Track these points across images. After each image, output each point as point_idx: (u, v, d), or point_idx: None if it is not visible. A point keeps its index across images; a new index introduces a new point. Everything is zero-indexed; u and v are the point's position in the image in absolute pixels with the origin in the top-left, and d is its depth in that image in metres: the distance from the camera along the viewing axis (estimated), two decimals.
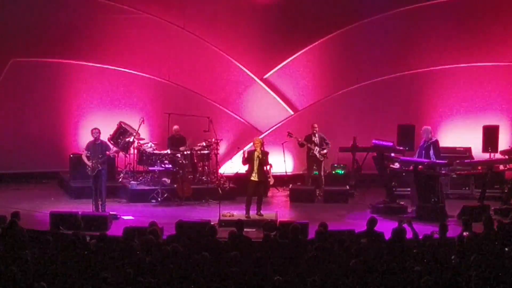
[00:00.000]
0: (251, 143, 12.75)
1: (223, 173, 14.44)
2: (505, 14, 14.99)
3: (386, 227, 9.99)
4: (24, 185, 14.36)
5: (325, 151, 13.85)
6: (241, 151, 13.90)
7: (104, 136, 12.74)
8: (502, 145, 14.06)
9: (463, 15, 15.06)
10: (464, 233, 9.35)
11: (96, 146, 12.08)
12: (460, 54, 15.14)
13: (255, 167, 11.86)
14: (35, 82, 14.66)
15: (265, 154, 11.99)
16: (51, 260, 8.04)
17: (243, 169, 12.65)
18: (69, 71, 14.76)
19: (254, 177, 11.92)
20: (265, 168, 11.95)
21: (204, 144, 14.01)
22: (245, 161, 12.05)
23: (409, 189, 13.30)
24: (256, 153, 11.91)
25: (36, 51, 14.53)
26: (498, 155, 13.69)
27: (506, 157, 13.18)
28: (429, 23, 15.17)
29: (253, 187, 11.96)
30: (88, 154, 12.05)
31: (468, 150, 14.48)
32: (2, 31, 14.34)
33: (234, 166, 14.12)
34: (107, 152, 12.11)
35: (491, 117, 14.84)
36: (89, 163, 12.02)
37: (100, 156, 12.00)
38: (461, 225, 9.92)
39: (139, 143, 13.93)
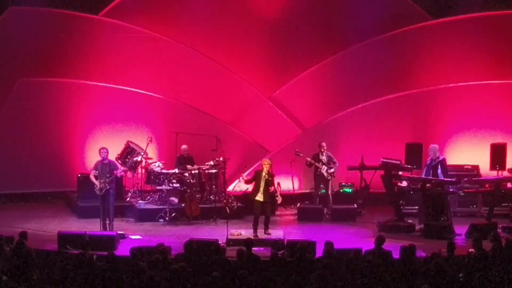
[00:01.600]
0: (259, 162, 12.77)
1: (231, 192, 14.45)
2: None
3: (394, 245, 9.96)
4: (32, 205, 14.39)
5: (332, 170, 13.85)
6: (249, 171, 13.96)
7: (112, 156, 12.80)
8: (510, 162, 14.02)
9: (471, 33, 15.11)
10: (471, 250, 9.31)
11: (104, 165, 12.12)
12: (467, 72, 15.15)
13: (261, 188, 11.88)
14: (43, 102, 14.74)
15: (271, 175, 12.01)
16: (59, 280, 8.04)
17: (250, 188, 12.66)
18: (76, 90, 14.85)
19: (259, 197, 11.94)
20: (271, 189, 11.96)
21: (212, 163, 14.04)
22: (250, 181, 12.06)
23: (416, 207, 13.27)
24: (263, 173, 11.93)
25: (43, 71, 14.64)
26: (506, 173, 13.65)
27: None
28: (437, 42, 15.22)
29: (259, 207, 11.96)
30: (96, 174, 12.10)
31: (475, 168, 14.45)
32: (10, 52, 14.48)
33: (242, 184, 14.13)
34: (115, 172, 12.15)
35: (499, 135, 14.81)
36: (97, 182, 12.06)
37: (108, 175, 12.04)
38: (470, 242, 9.87)
39: (147, 162, 13.97)
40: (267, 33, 15.42)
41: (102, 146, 12.34)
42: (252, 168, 14.16)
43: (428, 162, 12.93)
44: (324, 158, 13.85)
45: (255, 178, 12.03)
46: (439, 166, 12.67)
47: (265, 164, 12.02)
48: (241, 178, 12.38)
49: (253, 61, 15.49)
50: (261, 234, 11.92)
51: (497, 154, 14.06)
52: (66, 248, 10.61)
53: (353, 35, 15.31)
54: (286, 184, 14.47)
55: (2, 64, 14.48)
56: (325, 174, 13.81)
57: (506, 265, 8.69)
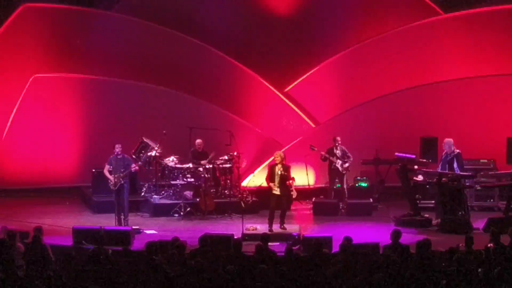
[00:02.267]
0: (272, 157, 12.71)
1: (246, 187, 14.42)
2: None
3: (410, 240, 9.87)
4: (47, 200, 14.43)
5: (347, 164, 13.77)
6: (264, 164, 13.92)
7: (127, 151, 12.79)
8: None
9: (486, 27, 14.96)
10: (490, 244, 9.21)
11: (118, 160, 12.13)
12: (483, 65, 15.01)
13: (276, 181, 11.81)
14: (57, 98, 14.80)
15: (286, 169, 11.92)
16: (74, 275, 8.04)
17: (265, 182, 12.61)
18: (90, 86, 14.87)
19: (276, 191, 11.87)
20: (287, 182, 11.88)
21: (226, 157, 14.00)
22: (268, 177, 11.98)
23: (433, 201, 13.16)
24: (277, 168, 11.86)
25: (57, 66, 14.67)
26: None
27: None
28: (451, 35, 15.10)
29: (275, 200, 11.90)
30: (110, 169, 12.11)
31: (492, 162, 14.31)
32: (24, 48, 14.51)
33: (256, 179, 14.08)
34: (131, 167, 12.14)
35: None
36: (111, 177, 12.07)
37: (122, 170, 12.05)
38: (488, 237, 9.76)
39: (161, 157, 13.96)
40: (280, 27, 15.36)
41: (117, 142, 12.33)
42: (267, 163, 14.10)
43: (443, 156, 12.82)
44: (338, 152, 13.78)
45: (269, 173, 11.95)
46: (455, 160, 12.55)
47: (276, 157, 11.90)
48: (253, 175, 12.18)
49: (266, 56, 15.44)
50: (276, 228, 11.86)
51: None
52: (81, 243, 10.61)
53: (364, 30, 15.22)
54: (301, 178, 14.39)
55: (17, 60, 14.54)
56: (340, 168, 13.73)
57: None
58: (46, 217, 12.80)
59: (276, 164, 11.90)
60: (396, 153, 13.16)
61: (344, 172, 13.77)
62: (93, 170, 14.03)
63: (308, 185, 14.59)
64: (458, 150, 12.81)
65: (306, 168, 14.44)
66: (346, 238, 9.16)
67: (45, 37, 14.57)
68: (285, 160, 12.04)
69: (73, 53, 14.69)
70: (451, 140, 12.85)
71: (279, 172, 11.78)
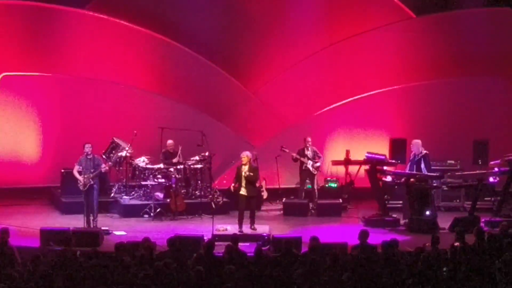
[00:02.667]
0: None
1: (217, 188, 14.42)
2: (499, 29, 15.12)
3: (379, 240, 9.99)
4: (14, 201, 14.25)
5: (318, 164, 13.88)
6: (234, 165, 13.93)
7: (97, 151, 12.72)
8: (492, 158, 14.10)
9: (456, 29, 15.19)
10: (455, 244, 9.37)
11: (88, 160, 12.05)
12: (451, 68, 15.24)
13: (243, 182, 11.81)
14: (26, 97, 14.62)
15: (253, 170, 11.94)
16: (41, 277, 7.98)
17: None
18: (60, 85, 14.72)
19: (243, 191, 11.89)
20: (256, 183, 11.91)
21: (198, 158, 14.00)
22: (235, 178, 12.00)
23: (401, 201, 13.33)
24: (243, 169, 11.84)
25: (27, 65, 14.51)
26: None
27: (496, 169, 13.23)
28: (421, 37, 15.28)
29: (243, 201, 11.92)
30: (79, 169, 12.03)
31: (458, 163, 14.54)
32: None
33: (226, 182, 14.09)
34: (101, 167, 12.07)
35: (481, 130, 14.88)
36: (80, 178, 11.99)
37: (92, 170, 11.98)
38: (454, 236, 9.93)
39: (132, 157, 13.90)
40: (253, 28, 15.38)
41: (86, 142, 12.25)
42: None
43: (412, 157, 12.99)
44: (309, 153, 13.88)
45: (236, 174, 11.96)
46: (422, 161, 12.74)
47: (243, 158, 11.90)
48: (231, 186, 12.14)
49: (238, 56, 15.45)
50: (247, 229, 11.90)
51: (480, 150, 14.14)
52: (49, 244, 10.52)
53: (337, 31, 15.33)
54: (272, 179, 14.46)
55: None
56: (311, 168, 13.83)
57: (488, 259, 8.76)
58: (13, 218, 12.64)
59: (243, 165, 11.91)
60: (366, 153, 13.30)
61: (315, 172, 13.87)
62: (62, 171, 13.91)
63: (279, 185, 14.66)
64: (426, 151, 12.99)
65: (277, 169, 14.50)
66: (313, 237, 9.24)
67: (14, 35, 14.39)
68: (254, 161, 12.07)
69: (43, 52, 14.53)
70: (419, 141, 13.03)
71: (245, 174, 11.80)
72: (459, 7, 15.52)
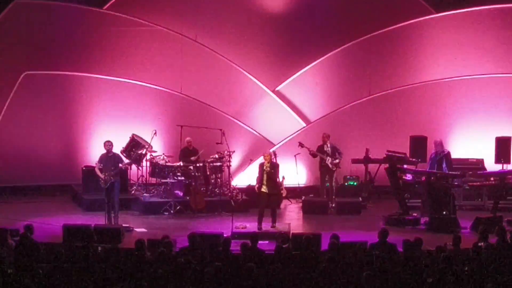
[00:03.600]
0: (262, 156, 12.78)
1: (236, 185, 14.45)
2: None
3: (399, 238, 9.95)
4: (37, 198, 14.40)
5: (337, 160, 13.83)
6: (253, 163, 13.97)
7: (117, 149, 12.81)
8: None
9: (477, 26, 15.04)
10: (480, 244, 9.29)
11: (109, 158, 12.14)
12: (473, 65, 15.11)
13: (264, 180, 11.88)
14: (48, 95, 14.73)
15: (274, 167, 12.01)
16: (64, 272, 8.07)
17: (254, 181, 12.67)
18: (81, 83, 14.83)
19: (264, 189, 11.96)
20: (277, 180, 11.96)
21: (217, 156, 14.03)
22: (259, 178, 12.07)
23: (421, 200, 13.23)
24: (264, 166, 11.92)
25: (48, 64, 14.64)
26: (510, 166, 13.61)
27: None
28: (441, 35, 15.16)
29: (264, 199, 11.96)
30: (100, 167, 12.12)
31: (480, 161, 14.41)
32: (15, 45, 14.48)
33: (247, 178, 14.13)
34: (120, 165, 12.16)
35: (504, 128, 14.74)
36: (101, 175, 12.08)
37: (112, 168, 12.06)
38: (475, 236, 9.86)
39: (152, 155, 13.98)
40: (272, 26, 15.38)
41: (107, 139, 12.34)
42: (257, 161, 14.15)
43: (433, 155, 12.90)
44: (328, 149, 13.84)
45: (258, 172, 12.04)
46: (444, 160, 12.66)
47: (265, 157, 12.08)
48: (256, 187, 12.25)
49: (257, 54, 15.45)
50: (266, 227, 11.91)
51: (502, 148, 14.00)
52: (71, 241, 10.62)
53: (356, 29, 15.26)
54: (291, 177, 14.45)
55: (8, 57, 14.48)
56: (330, 165, 13.77)
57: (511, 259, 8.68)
58: (36, 215, 12.78)
59: (265, 163, 11.97)
60: (386, 151, 13.23)
61: (334, 168, 13.82)
62: (83, 168, 14.03)
63: (298, 183, 14.65)
64: (447, 150, 12.90)
65: (296, 167, 14.49)
66: (333, 235, 9.23)
67: (37, 33, 14.53)
68: (274, 158, 12.14)
69: (63, 50, 14.65)
70: (441, 139, 12.94)
71: (267, 169, 11.86)
72: (480, 3, 15.33)
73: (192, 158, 13.80)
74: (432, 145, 13.56)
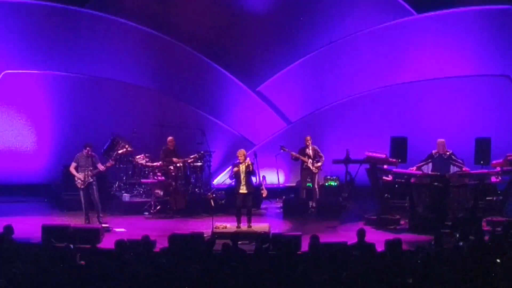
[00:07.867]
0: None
1: (216, 185, 14.42)
2: (499, 27, 15.11)
3: (379, 238, 9.98)
4: (16, 197, 14.25)
5: (319, 163, 13.86)
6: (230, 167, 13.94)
7: (97, 148, 12.71)
8: (494, 157, 14.08)
9: (458, 27, 15.16)
10: (460, 243, 9.35)
11: (86, 158, 12.05)
12: (452, 66, 15.23)
13: (243, 180, 11.79)
14: (27, 94, 14.65)
15: (249, 165, 11.89)
16: (42, 273, 7.98)
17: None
18: (60, 83, 14.75)
19: (242, 189, 11.84)
20: (252, 179, 11.89)
21: (197, 156, 13.99)
22: (235, 175, 11.96)
23: (401, 200, 13.29)
24: (241, 166, 11.84)
25: (27, 63, 14.51)
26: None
27: (498, 169, 13.20)
28: (422, 35, 15.27)
29: (241, 199, 11.88)
30: (76, 166, 12.02)
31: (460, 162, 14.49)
32: None
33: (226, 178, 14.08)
34: (99, 165, 12.07)
35: (484, 129, 14.86)
36: (78, 175, 11.99)
37: (91, 168, 11.97)
38: (455, 236, 9.92)
39: (132, 155, 13.89)
40: (253, 26, 15.39)
41: (86, 141, 12.24)
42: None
43: (436, 156, 12.91)
44: (310, 152, 13.87)
45: (236, 173, 11.89)
46: (453, 159, 12.75)
47: (240, 155, 11.86)
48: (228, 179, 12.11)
49: (238, 54, 15.45)
50: (244, 226, 11.88)
51: (482, 149, 14.10)
52: (50, 241, 10.53)
53: (337, 30, 15.32)
54: (272, 177, 14.46)
55: None
56: (312, 167, 13.81)
57: (490, 258, 8.74)
58: (15, 215, 12.64)
59: (241, 162, 11.88)
60: (366, 152, 13.27)
61: (315, 171, 13.86)
62: (63, 168, 13.91)
63: (279, 184, 14.65)
64: (450, 150, 13.01)
65: (277, 167, 14.50)
66: (313, 236, 9.23)
67: (16, 33, 14.41)
68: (253, 159, 12.06)
69: (43, 50, 14.55)
70: (444, 140, 13.00)
71: (244, 169, 11.78)
72: (460, 4, 15.45)
73: (174, 159, 13.73)
74: (412, 146, 13.60)
